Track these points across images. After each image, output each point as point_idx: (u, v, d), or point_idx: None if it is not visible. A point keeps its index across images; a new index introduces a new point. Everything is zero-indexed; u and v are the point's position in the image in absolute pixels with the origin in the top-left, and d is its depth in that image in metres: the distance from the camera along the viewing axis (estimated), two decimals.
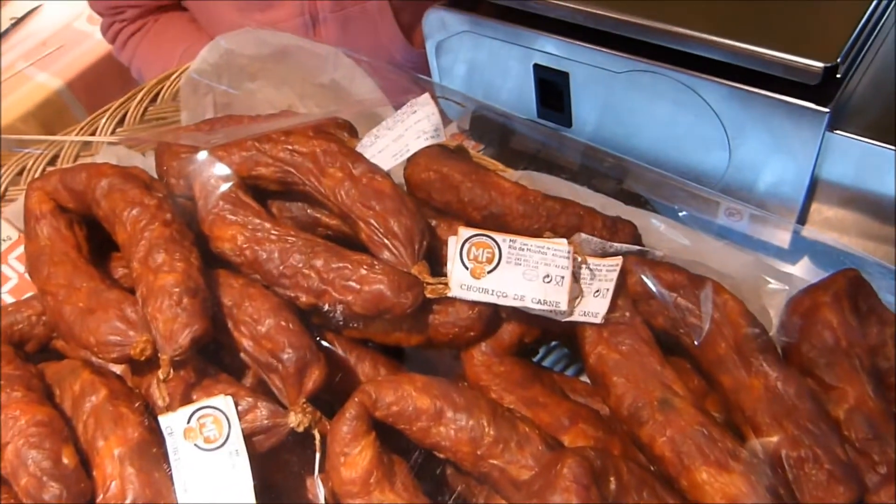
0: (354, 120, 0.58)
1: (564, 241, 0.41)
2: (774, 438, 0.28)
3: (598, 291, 0.41)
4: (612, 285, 0.42)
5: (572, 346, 0.44)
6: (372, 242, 0.42)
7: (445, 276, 0.40)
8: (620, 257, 0.45)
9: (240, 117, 0.48)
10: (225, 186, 0.39)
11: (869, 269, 0.34)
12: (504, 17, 0.48)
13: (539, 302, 0.39)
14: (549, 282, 0.41)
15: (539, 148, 0.61)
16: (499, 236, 0.41)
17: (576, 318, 0.39)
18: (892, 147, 0.36)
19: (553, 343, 0.53)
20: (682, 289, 0.38)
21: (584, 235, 0.46)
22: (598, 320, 0.39)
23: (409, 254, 0.42)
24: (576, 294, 0.42)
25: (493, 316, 0.41)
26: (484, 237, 0.42)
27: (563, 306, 0.39)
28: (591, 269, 0.45)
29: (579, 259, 0.41)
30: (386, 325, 0.45)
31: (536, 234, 0.43)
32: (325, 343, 0.40)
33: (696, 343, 0.36)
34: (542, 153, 0.61)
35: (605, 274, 0.46)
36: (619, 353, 0.38)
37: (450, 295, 0.40)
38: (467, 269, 0.44)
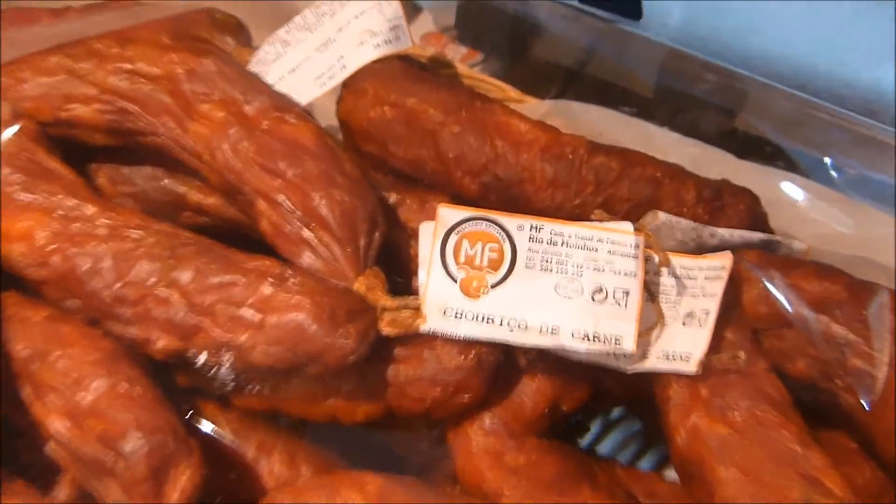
0: (247, 14, 0.59)
1: (629, 225, 0.44)
2: None
3: (689, 315, 0.44)
4: (714, 305, 0.44)
5: (647, 415, 0.50)
6: (281, 236, 0.46)
7: (415, 294, 0.44)
8: (729, 254, 0.46)
9: (35, 10, 0.46)
10: (9, 140, 0.38)
11: None
12: None
13: (585, 338, 0.41)
14: (601, 300, 0.43)
15: (583, 58, 0.61)
16: (511, 220, 0.44)
17: (652, 364, 0.42)
18: None
19: (613, 413, 0.56)
20: (841, 308, 0.41)
21: (663, 216, 0.48)
22: (692, 368, 0.42)
23: (348, 255, 0.46)
24: (651, 322, 0.44)
25: (502, 365, 0.44)
26: (484, 223, 0.45)
27: (629, 344, 0.41)
28: (677, 277, 0.46)
29: (656, 258, 0.44)
30: (310, 386, 0.46)
31: (579, 216, 0.47)
32: (201, 422, 0.44)
33: (864, 404, 0.39)
34: (590, 68, 0.61)
35: (701, 285, 0.46)
36: (730, 425, 0.41)
37: (424, 329, 0.43)
38: (455, 280, 0.45)
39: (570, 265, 0.43)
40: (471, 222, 0.46)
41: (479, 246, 0.45)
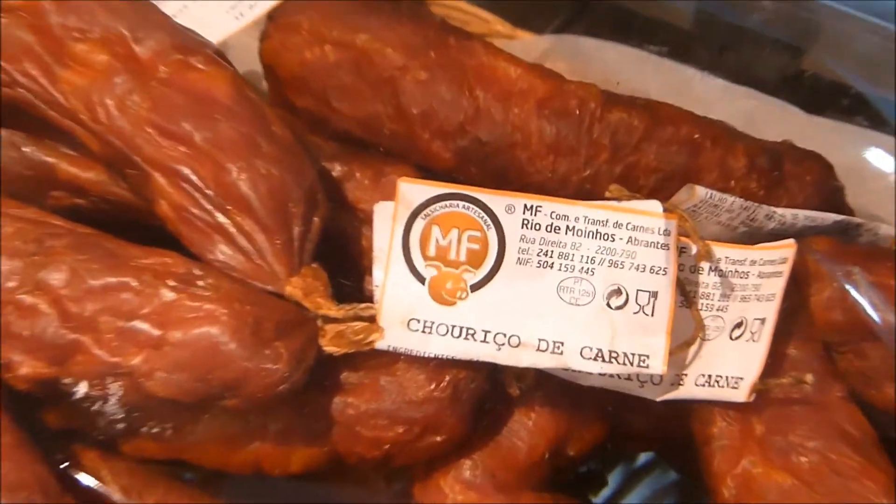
0: None
1: (657, 205, 0.44)
2: None
3: (739, 326, 0.44)
4: (772, 311, 0.44)
5: (682, 462, 0.51)
6: (187, 223, 0.45)
7: (369, 299, 0.44)
8: (793, 243, 0.45)
9: None
10: None
11: None
12: None
13: (599, 356, 0.41)
14: (620, 306, 0.42)
15: None
16: (498, 199, 0.44)
17: (689, 392, 0.44)
18: None
19: (638, 459, 0.57)
20: None
21: (703, 191, 0.47)
22: (743, 396, 0.43)
23: (277, 249, 0.44)
24: (687, 335, 0.44)
25: (486, 395, 0.45)
26: (462, 202, 0.45)
27: (658, 364, 0.41)
28: (721, 274, 0.45)
29: (694, 249, 0.44)
30: (228, 426, 0.46)
31: (589, 193, 0.48)
32: (82, 476, 0.43)
33: None
34: None
35: (755, 284, 0.45)
36: (794, 472, 0.40)
37: (381, 346, 0.42)
38: (423, 280, 0.45)
39: (577, 259, 0.43)
40: (443, 202, 0.45)
41: (454, 234, 0.44)
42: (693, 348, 0.43)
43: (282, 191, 0.45)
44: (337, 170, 0.50)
